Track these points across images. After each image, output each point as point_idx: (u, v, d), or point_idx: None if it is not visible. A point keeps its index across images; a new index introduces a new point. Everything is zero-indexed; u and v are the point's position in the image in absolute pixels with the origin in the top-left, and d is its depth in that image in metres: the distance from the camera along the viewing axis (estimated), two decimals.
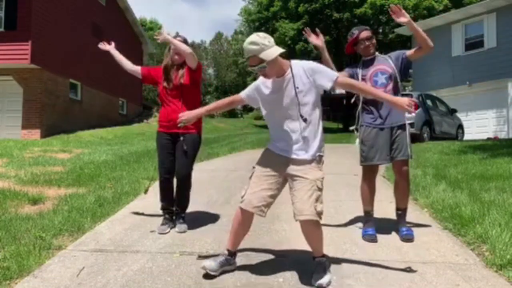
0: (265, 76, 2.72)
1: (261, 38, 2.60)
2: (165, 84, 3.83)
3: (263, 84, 2.82)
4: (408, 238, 3.47)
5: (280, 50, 2.63)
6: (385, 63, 3.62)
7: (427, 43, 3.41)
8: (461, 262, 3.05)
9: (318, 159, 2.73)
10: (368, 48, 3.63)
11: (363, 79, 3.61)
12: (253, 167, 2.82)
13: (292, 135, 2.73)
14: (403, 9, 3.42)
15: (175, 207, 3.90)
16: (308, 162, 2.71)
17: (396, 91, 3.56)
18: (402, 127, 3.57)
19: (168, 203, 3.89)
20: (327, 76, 2.73)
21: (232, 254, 2.86)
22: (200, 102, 4.10)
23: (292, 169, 2.71)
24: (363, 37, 3.61)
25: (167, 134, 3.82)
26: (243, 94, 2.94)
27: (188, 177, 3.83)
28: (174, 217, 3.91)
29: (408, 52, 3.62)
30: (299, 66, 2.75)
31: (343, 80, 2.78)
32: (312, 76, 2.72)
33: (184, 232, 3.72)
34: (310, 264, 2.98)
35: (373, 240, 3.48)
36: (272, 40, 2.65)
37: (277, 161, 2.75)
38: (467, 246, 3.35)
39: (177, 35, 3.93)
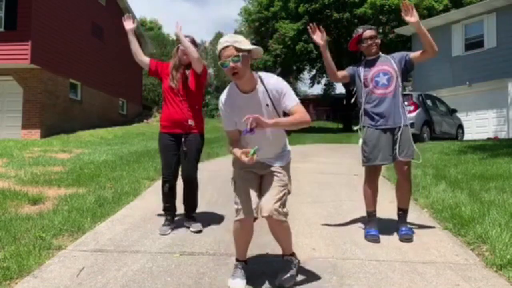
0: (237, 74, 2.50)
1: (238, 36, 2.59)
2: (171, 83, 3.78)
3: (231, 99, 2.67)
4: (406, 238, 3.48)
5: (251, 46, 2.55)
6: (388, 64, 3.61)
7: (432, 47, 3.41)
8: (461, 262, 3.05)
9: (288, 166, 2.80)
10: (371, 47, 3.61)
11: (365, 79, 3.62)
12: (232, 179, 2.77)
13: (268, 148, 2.69)
14: (413, 7, 3.40)
15: (185, 209, 3.90)
16: (282, 167, 2.75)
17: (397, 93, 3.57)
18: (403, 128, 3.57)
19: (171, 204, 3.88)
20: (288, 101, 2.62)
21: (245, 261, 2.80)
22: (202, 105, 4.09)
23: (267, 171, 2.72)
24: (367, 36, 3.60)
25: (170, 135, 3.80)
26: (225, 128, 2.75)
27: (195, 178, 3.82)
28: (175, 218, 3.91)
29: (412, 54, 3.60)
30: (268, 81, 2.64)
31: (294, 111, 2.60)
32: (279, 95, 2.62)
33: (200, 231, 3.71)
34: (311, 265, 2.98)
35: (376, 240, 3.48)
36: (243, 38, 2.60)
37: (253, 165, 2.66)
38: (467, 246, 3.35)
39: (186, 36, 3.79)
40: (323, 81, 33.46)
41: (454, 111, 14.17)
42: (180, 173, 3.85)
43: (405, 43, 20.24)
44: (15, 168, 6.79)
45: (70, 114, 15.97)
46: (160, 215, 4.07)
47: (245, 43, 2.55)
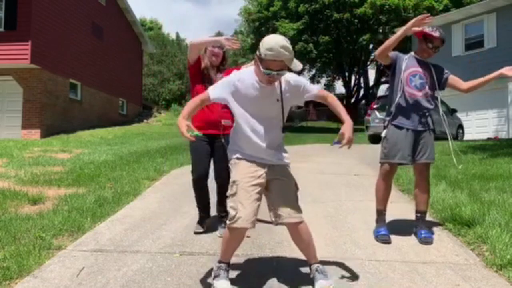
0: (271, 82, 2.57)
1: (290, 45, 2.47)
2: (207, 84, 3.63)
3: (244, 83, 2.63)
4: (426, 241, 3.43)
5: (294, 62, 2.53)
6: (428, 70, 3.59)
7: (472, 90, 3.71)
8: (461, 262, 3.05)
9: (289, 165, 2.75)
10: (428, 52, 3.56)
11: (403, 72, 3.56)
12: (233, 182, 2.63)
13: (270, 141, 2.65)
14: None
15: (218, 210, 3.86)
16: (286, 166, 2.71)
17: (428, 99, 3.56)
18: (427, 131, 3.56)
19: (204, 204, 3.82)
20: (308, 91, 2.70)
21: (228, 263, 2.71)
22: None
23: (272, 172, 2.64)
24: (436, 44, 3.52)
25: (203, 136, 3.61)
26: (211, 94, 2.67)
27: (229, 179, 3.79)
28: (210, 216, 3.86)
29: (451, 77, 3.68)
30: (285, 77, 2.64)
31: (322, 94, 2.76)
32: (296, 89, 2.66)
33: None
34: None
35: (387, 241, 3.44)
36: None
37: (257, 168, 2.63)
38: (467, 246, 3.35)
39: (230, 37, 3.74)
40: (323, 81, 33.48)
41: (454, 111, 14.17)
42: (214, 175, 3.77)
43: (405, 42, 20.22)
44: (15, 168, 6.79)
45: (70, 114, 15.97)
46: (160, 216, 4.07)
47: (297, 62, 2.52)
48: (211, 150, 3.75)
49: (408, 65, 3.57)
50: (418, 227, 3.60)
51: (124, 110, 21.25)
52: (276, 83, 2.61)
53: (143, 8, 69.89)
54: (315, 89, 2.75)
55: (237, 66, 3.97)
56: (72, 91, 16.35)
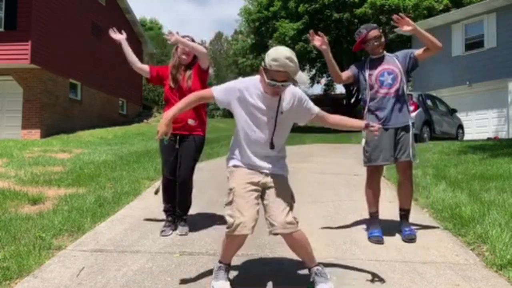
0: (276, 94, 2.56)
1: (295, 57, 2.48)
2: (171, 84, 3.75)
3: (249, 91, 2.62)
4: (410, 238, 3.46)
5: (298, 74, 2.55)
6: (393, 63, 3.59)
7: (435, 44, 3.43)
8: (461, 262, 3.05)
9: (287, 178, 2.75)
10: (377, 48, 3.59)
11: (369, 79, 3.59)
12: (230, 189, 2.59)
13: (270, 151, 2.65)
14: (405, 16, 3.43)
15: (177, 209, 3.87)
16: (283, 177, 2.69)
17: (401, 92, 3.56)
18: (406, 128, 3.56)
19: (171, 205, 3.85)
20: (309, 109, 2.73)
21: (228, 264, 2.71)
22: (205, 104, 4.07)
23: (269, 181, 2.63)
24: (372, 37, 3.57)
25: (171, 135, 3.75)
26: (215, 93, 2.65)
27: (190, 180, 3.80)
28: (176, 219, 3.89)
29: (417, 52, 3.59)
30: (289, 90, 2.65)
31: (323, 115, 2.78)
32: (297, 106, 2.67)
33: (185, 234, 3.69)
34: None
35: (379, 241, 3.45)
36: None
37: (254, 174, 2.63)
38: (467, 246, 3.35)
39: (184, 36, 3.81)
40: (323, 81, 33.48)
41: (454, 111, 14.17)
42: (177, 174, 3.80)
43: (405, 43, 20.22)
44: (15, 168, 6.79)
45: (70, 114, 15.97)
46: (160, 217, 4.06)
47: (303, 74, 2.54)
48: (178, 149, 3.77)
49: (371, 68, 3.61)
50: (401, 225, 3.62)
51: (124, 110, 21.25)
52: (282, 96, 2.61)
53: (143, 8, 69.87)
54: (316, 109, 2.75)
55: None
56: (72, 91, 16.36)
